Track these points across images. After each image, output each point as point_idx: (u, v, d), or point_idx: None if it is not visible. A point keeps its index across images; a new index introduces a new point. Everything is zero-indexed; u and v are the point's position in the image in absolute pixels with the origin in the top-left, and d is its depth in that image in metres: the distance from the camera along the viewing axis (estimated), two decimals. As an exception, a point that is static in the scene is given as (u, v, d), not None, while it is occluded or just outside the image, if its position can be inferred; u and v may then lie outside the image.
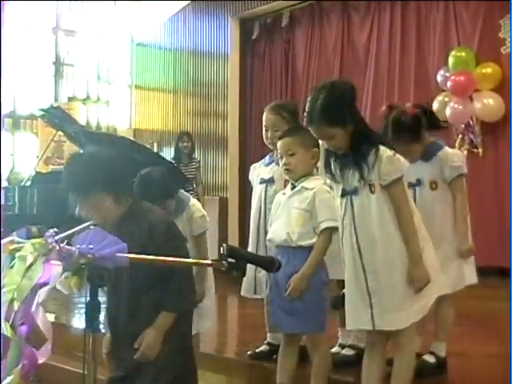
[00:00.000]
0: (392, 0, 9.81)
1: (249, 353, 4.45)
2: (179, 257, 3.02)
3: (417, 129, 3.94)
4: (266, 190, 4.20)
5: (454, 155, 4.07)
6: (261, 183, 4.28)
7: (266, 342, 4.43)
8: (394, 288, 3.21)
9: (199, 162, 9.92)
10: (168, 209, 3.89)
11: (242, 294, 4.34)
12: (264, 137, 4.26)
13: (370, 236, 3.24)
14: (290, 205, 3.66)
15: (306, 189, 3.65)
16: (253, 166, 4.55)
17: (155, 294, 3.07)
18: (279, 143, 3.74)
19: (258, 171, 4.38)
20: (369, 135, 3.29)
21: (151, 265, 2.98)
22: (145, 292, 3.07)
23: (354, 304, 3.30)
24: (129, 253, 2.94)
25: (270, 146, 4.25)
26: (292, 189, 3.70)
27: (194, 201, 4.25)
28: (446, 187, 3.99)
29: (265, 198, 4.17)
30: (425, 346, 4.08)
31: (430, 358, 4.02)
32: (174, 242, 3.14)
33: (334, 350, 4.16)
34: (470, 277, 4.06)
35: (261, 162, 4.46)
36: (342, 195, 3.33)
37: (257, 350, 4.42)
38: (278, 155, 3.78)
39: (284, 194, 3.78)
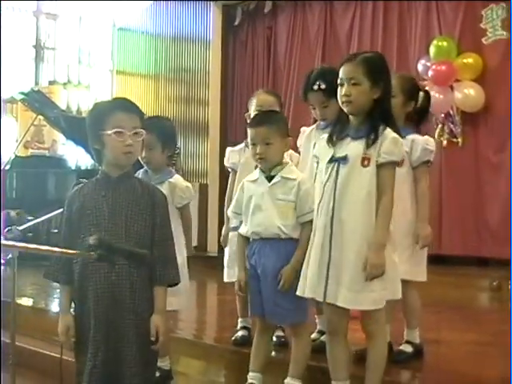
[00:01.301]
0: (375, -11, 9.82)
1: (233, 338, 4.45)
2: (168, 228, 3.16)
3: None
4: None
5: (429, 140, 4.05)
6: None
7: (241, 326, 4.46)
8: (352, 266, 3.20)
9: (179, 148, 9.91)
10: None
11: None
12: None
13: (349, 208, 3.23)
14: (273, 196, 3.60)
15: (288, 179, 3.62)
16: (231, 149, 4.53)
17: (146, 265, 3.05)
18: (254, 130, 3.67)
19: (246, 155, 4.33)
20: (388, 113, 3.33)
21: (146, 233, 3.05)
22: (138, 265, 3.03)
23: (312, 272, 3.30)
24: (125, 210, 3.04)
25: None
26: (268, 178, 3.64)
27: (176, 175, 4.26)
28: (408, 168, 3.93)
29: None
30: (399, 334, 4.11)
31: (407, 348, 4.04)
32: (168, 214, 3.22)
33: (312, 336, 4.19)
34: (418, 273, 4.01)
35: (242, 145, 4.43)
36: (330, 161, 3.32)
37: (239, 336, 4.43)
38: (249, 141, 3.71)
39: (253, 182, 3.71)
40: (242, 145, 4.44)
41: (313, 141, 4.12)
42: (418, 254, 3.96)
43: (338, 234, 3.25)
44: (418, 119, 4.16)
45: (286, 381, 3.65)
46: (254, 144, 3.66)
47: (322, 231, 3.29)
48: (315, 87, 3.99)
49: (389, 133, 3.26)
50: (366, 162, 3.23)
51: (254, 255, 3.66)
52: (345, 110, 3.33)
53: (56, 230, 10.39)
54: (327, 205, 3.28)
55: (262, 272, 3.61)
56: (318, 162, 3.47)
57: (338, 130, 3.37)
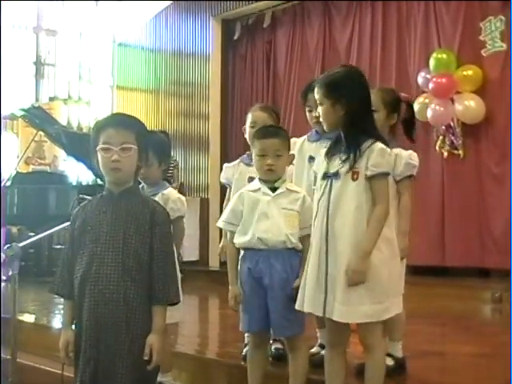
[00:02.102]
0: (373, 0, 9.85)
1: (243, 354, 4.37)
2: (168, 246, 3.12)
3: None
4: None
5: (412, 154, 4.04)
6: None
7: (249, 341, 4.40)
8: (343, 280, 3.18)
9: (176, 160, 9.94)
10: None
11: None
12: (248, 133, 4.26)
13: (341, 222, 3.23)
14: (279, 205, 3.61)
15: (292, 191, 3.65)
16: (226, 166, 4.53)
17: (144, 283, 3.03)
18: (266, 142, 3.67)
19: (240, 170, 4.36)
20: (364, 126, 3.31)
21: (144, 250, 3.02)
22: (134, 279, 3.01)
23: (311, 287, 3.29)
24: (123, 226, 3.02)
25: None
26: (272, 189, 3.65)
27: (170, 188, 4.25)
28: (391, 182, 3.83)
29: None
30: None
31: (389, 361, 3.91)
32: (169, 231, 3.18)
33: (313, 350, 4.17)
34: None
35: (237, 161, 4.44)
36: (323, 178, 3.33)
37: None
38: (258, 153, 3.70)
39: (255, 191, 3.69)
40: (237, 160, 4.45)
41: (307, 153, 4.14)
42: None
43: (332, 249, 3.25)
44: (406, 130, 4.15)
45: None
46: (263, 155, 3.67)
47: (317, 247, 3.30)
48: None
49: (376, 145, 3.27)
50: (355, 176, 3.25)
51: (258, 267, 3.61)
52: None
53: (58, 246, 10.42)
54: (321, 220, 3.30)
55: (270, 283, 3.58)
56: (315, 178, 3.49)
57: (332, 145, 3.40)
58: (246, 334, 4.40)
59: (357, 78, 3.40)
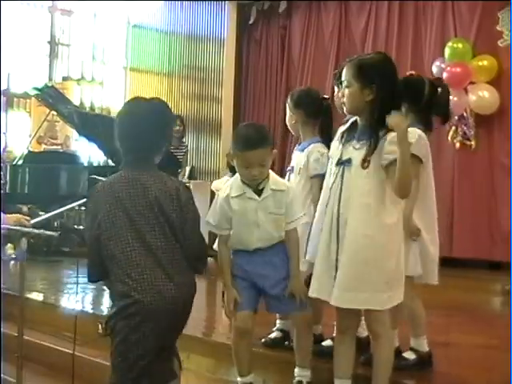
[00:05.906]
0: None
1: (263, 340, 4.30)
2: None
3: None
4: (288, 179, 4.14)
5: (411, 133, 3.77)
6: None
7: (276, 328, 4.37)
8: (358, 266, 3.18)
9: (187, 146, 9.98)
10: None
11: None
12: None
13: (351, 209, 3.21)
14: (266, 210, 3.54)
15: (277, 191, 3.55)
16: None
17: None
18: (252, 153, 3.46)
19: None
20: (386, 115, 3.19)
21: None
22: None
23: (321, 273, 3.29)
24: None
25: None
26: (257, 192, 3.54)
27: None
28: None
29: None
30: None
31: (410, 355, 3.92)
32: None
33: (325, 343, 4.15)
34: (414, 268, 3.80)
35: None
36: (337, 164, 3.30)
37: (271, 337, 4.36)
38: (245, 164, 3.52)
39: (239, 197, 3.55)
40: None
41: None
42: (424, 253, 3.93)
43: (343, 235, 3.23)
44: (428, 110, 3.96)
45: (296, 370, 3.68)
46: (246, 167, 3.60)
47: (328, 234, 3.28)
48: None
49: (389, 134, 3.19)
50: (365, 164, 3.21)
51: (251, 265, 3.61)
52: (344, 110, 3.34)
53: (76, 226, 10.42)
54: (332, 207, 3.28)
55: (268, 278, 3.59)
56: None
57: (347, 130, 3.36)
58: (277, 320, 4.35)
59: (390, 65, 3.33)
